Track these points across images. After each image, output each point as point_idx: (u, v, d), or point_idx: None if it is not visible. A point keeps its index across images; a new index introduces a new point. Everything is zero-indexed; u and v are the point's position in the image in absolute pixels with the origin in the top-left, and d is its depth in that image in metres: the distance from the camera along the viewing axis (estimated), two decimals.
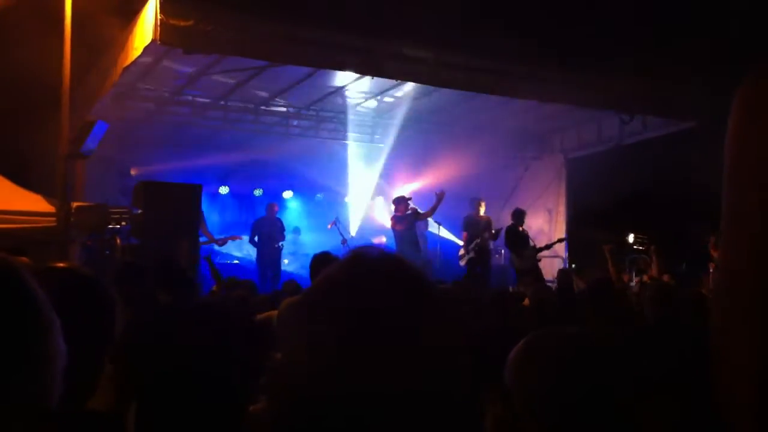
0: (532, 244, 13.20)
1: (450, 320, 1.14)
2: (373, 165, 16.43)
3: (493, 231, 13.43)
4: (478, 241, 13.32)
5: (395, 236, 13.18)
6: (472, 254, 13.29)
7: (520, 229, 13.32)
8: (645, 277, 8.91)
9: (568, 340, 1.87)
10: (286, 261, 15.14)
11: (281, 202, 16.53)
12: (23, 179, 10.44)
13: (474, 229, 13.53)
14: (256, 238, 14.13)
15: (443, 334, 1.11)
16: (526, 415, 1.76)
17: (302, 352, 1.09)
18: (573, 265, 13.31)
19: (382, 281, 1.11)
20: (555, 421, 1.72)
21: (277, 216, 14.60)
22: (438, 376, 1.07)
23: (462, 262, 13.52)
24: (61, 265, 1.99)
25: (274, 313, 4.95)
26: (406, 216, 13.12)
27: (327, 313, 1.09)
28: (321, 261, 5.58)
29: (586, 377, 1.75)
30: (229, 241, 13.56)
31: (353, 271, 1.14)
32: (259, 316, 5.32)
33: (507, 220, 13.82)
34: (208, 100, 13.92)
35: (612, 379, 1.77)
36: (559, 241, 13.92)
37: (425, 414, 1.05)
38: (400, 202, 13.29)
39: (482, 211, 13.83)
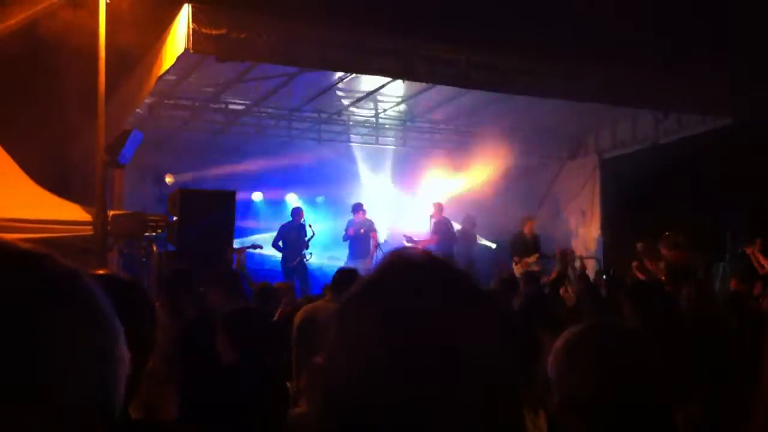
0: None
1: (495, 320, 1.11)
2: (406, 168, 16.38)
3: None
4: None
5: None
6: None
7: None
8: None
9: (616, 333, 1.86)
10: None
11: (313, 207, 16.47)
12: (61, 189, 10.58)
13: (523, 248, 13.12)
14: (280, 243, 13.87)
15: (486, 333, 1.09)
16: (568, 408, 1.75)
17: (343, 354, 1.09)
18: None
19: (420, 281, 1.09)
20: (598, 413, 1.70)
21: (302, 222, 14.09)
22: (482, 377, 1.05)
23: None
24: (101, 272, 2.03)
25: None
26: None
27: (366, 314, 1.08)
28: (346, 275, 5.74)
29: (630, 370, 1.74)
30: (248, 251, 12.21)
31: (391, 271, 1.12)
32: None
33: (542, 223, 13.74)
34: (241, 107, 14.03)
35: (654, 374, 1.75)
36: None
37: (469, 416, 1.03)
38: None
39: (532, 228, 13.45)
